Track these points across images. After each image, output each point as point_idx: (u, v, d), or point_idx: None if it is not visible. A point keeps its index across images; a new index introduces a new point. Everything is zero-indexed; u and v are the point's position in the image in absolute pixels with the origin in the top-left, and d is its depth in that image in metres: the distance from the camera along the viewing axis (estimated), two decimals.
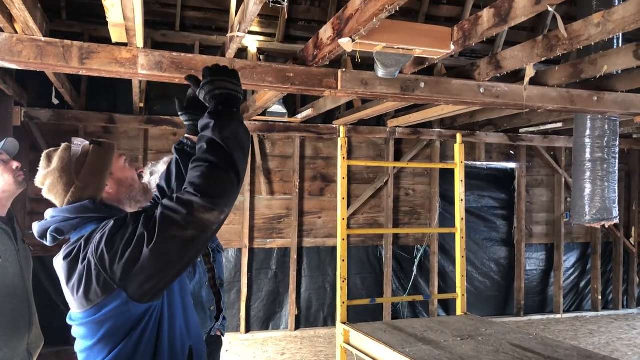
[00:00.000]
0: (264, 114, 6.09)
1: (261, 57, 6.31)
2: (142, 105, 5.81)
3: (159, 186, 2.06)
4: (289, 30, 6.29)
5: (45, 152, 1.69)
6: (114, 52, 2.92)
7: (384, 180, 6.98)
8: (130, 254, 1.36)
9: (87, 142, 1.68)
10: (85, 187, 1.60)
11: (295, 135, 6.63)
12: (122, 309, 1.41)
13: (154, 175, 2.74)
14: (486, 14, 2.87)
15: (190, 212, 1.34)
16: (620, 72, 4.09)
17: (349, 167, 4.18)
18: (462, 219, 4.33)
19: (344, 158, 4.01)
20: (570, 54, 4.35)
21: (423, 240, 7.19)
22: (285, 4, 3.83)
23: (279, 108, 6.13)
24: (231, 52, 3.35)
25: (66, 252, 1.51)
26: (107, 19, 2.67)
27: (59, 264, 1.53)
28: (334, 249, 6.43)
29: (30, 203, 5.65)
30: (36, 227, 1.62)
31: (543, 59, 3.43)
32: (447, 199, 7.09)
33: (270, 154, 6.69)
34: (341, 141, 4.02)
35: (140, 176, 1.82)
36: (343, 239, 4.06)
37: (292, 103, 6.52)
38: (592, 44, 3.08)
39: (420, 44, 3.08)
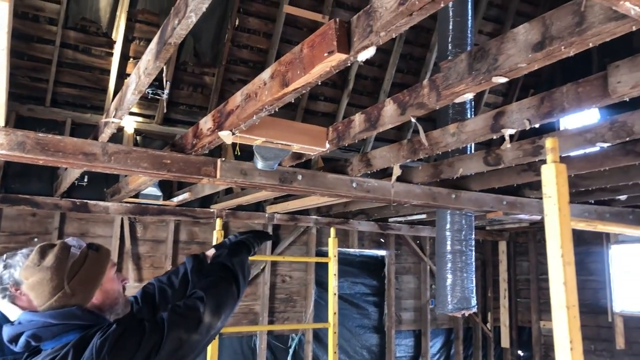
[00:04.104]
0: (137, 195, 5.84)
1: (138, 138, 6.15)
2: None
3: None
4: (169, 113, 6.24)
5: (40, 245, 1.58)
6: None
7: (261, 267, 6.91)
8: (138, 357, 1.38)
9: (85, 245, 1.61)
10: (73, 295, 1.51)
11: (170, 218, 6.41)
12: None
13: (8, 269, 2.43)
14: (358, 119, 3.10)
15: (198, 316, 1.51)
16: (473, 174, 4.58)
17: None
18: (335, 313, 4.36)
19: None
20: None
21: (297, 329, 7.11)
22: (164, 97, 3.84)
23: (153, 190, 5.93)
24: (105, 136, 3.23)
25: None
26: None
27: None
28: None
29: None
30: (6, 330, 1.47)
31: (408, 160, 3.75)
32: (323, 285, 7.17)
33: (142, 237, 6.35)
34: (217, 234, 3.94)
35: (124, 288, 1.74)
36: None
37: (169, 185, 6.35)
38: (449, 150, 3.45)
39: (298, 141, 3.23)
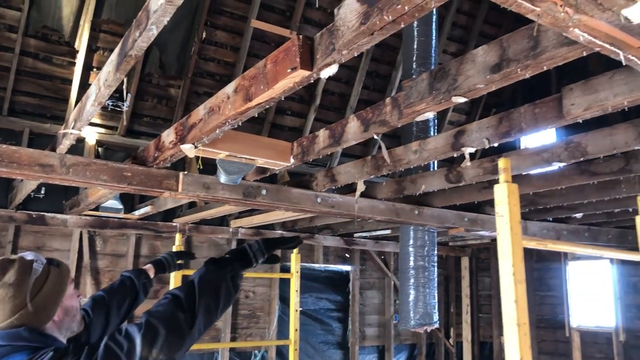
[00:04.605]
0: (97, 208, 5.70)
1: (100, 149, 6.02)
2: None
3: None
4: (133, 124, 6.14)
5: (18, 258, 1.49)
6: None
7: None
8: None
9: (45, 261, 1.53)
10: (35, 313, 1.44)
11: (131, 232, 6.27)
12: None
13: None
14: (322, 135, 3.12)
15: (132, 349, 1.33)
16: (436, 191, 4.64)
17: (186, 266, 4.01)
18: (296, 329, 4.32)
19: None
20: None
21: (260, 346, 7.02)
22: (125, 108, 3.79)
23: (114, 203, 5.80)
24: (63, 147, 3.15)
25: None
26: None
27: None
28: None
29: None
30: None
31: (372, 176, 3.79)
32: (287, 301, 7.08)
33: (101, 251, 6.19)
34: (176, 249, 3.87)
35: (79, 303, 1.68)
36: None
37: (130, 198, 6.22)
38: (412, 167, 3.50)
39: (262, 155, 3.21)
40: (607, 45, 1.51)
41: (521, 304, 1.38)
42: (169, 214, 6.36)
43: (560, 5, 1.31)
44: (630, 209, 4.86)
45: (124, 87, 4.57)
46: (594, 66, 6.15)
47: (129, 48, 1.95)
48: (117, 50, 2.19)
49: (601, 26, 1.41)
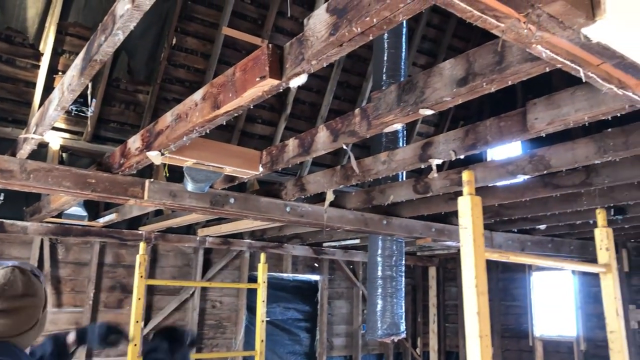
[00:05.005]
0: (59, 215, 5.54)
1: (64, 155, 5.86)
2: None
3: None
4: (99, 130, 6.01)
5: (28, 269, 1.49)
6: None
7: (190, 292, 6.70)
8: None
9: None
10: (42, 325, 1.47)
11: (95, 240, 6.12)
12: None
13: None
14: (292, 144, 3.11)
15: None
16: (404, 201, 4.68)
17: (151, 276, 3.93)
18: (262, 340, 4.28)
19: (141, 277, 3.74)
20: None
21: (226, 357, 6.92)
22: (90, 114, 3.71)
23: (78, 210, 5.64)
24: (24, 152, 3.06)
25: None
26: None
27: None
28: None
29: None
30: None
31: (341, 186, 3.79)
32: (254, 311, 6.96)
33: (63, 260, 6.01)
34: (140, 258, 3.79)
35: None
36: None
37: (95, 205, 6.07)
38: (380, 177, 3.52)
39: (230, 164, 3.19)
40: (568, 62, 1.56)
41: (483, 315, 1.40)
42: (135, 222, 6.23)
43: (524, 22, 1.34)
44: (591, 221, 5.00)
45: (89, 92, 4.47)
46: (558, 81, 6.34)
47: (94, 53, 1.91)
48: (81, 54, 2.14)
49: (562, 44, 1.45)
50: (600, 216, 2.39)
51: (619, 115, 2.24)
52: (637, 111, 2.09)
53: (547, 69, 1.79)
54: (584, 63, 1.55)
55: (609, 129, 2.84)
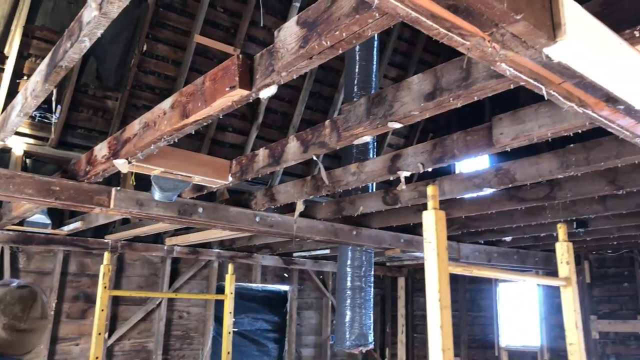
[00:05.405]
0: (21, 223, 5.38)
1: (28, 160, 5.71)
2: None
3: None
4: (65, 136, 5.87)
5: (36, 289, 1.58)
6: None
7: (157, 302, 6.58)
8: None
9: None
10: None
11: (59, 248, 5.96)
12: None
13: None
14: (262, 154, 3.10)
15: None
16: (374, 212, 4.71)
17: (117, 286, 3.84)
18: (229, 352, 4.23)
19: (105, 287, 3.66)
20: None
21: None
22: (54, 120, 3.62)
23: (41, 218, 5.49)
24: None
25: None
26: None
27: None
28: None
29: None
30: None
31: (312, 196, 3.80)
32: (222, 321, 6.95)
33: (24, 269, 5.83)
34: (103, 269, 3.70)
35: None
36: None
37: (59, 213, 5.92)
38: (350, 188, 3.54)
39: (199, 173, 3.16)
40: (531, 80, 1.60)
41: (446, 329, 1.42)
42: (101, 230, 6.10)
43: (488, 41, 1.37)
44: (555, 234, 5.11)
45: (54, 98, 4.38)
46: (525, 97, 6.50)
47: (59, 59, 1.87)
48: (46, 60, 2.10)
49: (525, 62, 1.49)
50: (561, 230, 2.46)
51: (580, 132, 2.31)
52: (598, 128, 2.16)
53: (512, 86, 1.83)
54: (546, 81, 1.60)
55: (572, 145, 2.93)
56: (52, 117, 3.31)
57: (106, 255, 3.74)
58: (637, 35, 1.55)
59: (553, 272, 4.84)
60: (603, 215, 4.44)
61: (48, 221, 5.58)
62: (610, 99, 1.65)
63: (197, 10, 6.03)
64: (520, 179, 3.17)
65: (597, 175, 3.36)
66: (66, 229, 5.57)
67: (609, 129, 1.97)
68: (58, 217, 5.80)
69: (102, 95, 5.99)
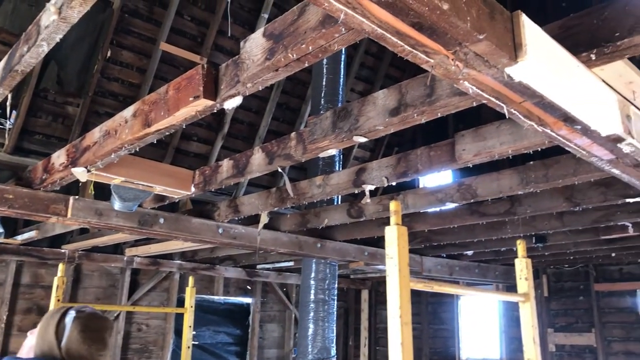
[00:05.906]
0: None
1: None
2: None
3: None
4: (22, 142, 5.67)
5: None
6: None
7: (115, 314, 6.39)
8: None
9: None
10: None
11: (12, 258, 5.73)
12: None
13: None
14: (226, 165, 3.07)
15: None
16: (338, 225, 4.71)
17: (73, 297, 3.71)
18: None
19: (58, 300, 3.53)
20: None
21: None
22: (9, 126, 3.50)
23: None
24: None
25: None
26: None
27: None
28: None
29: None
30: None
31: (276, 208, 3.77)
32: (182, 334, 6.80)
33: None
34: (57, 281, 3.57)
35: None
36: None
37: (13, 222, 5.70)
38: (315, 201, 3.53)
39: (161, 183, 3.09)
40: (493, 99, 1.63)
41: (407, 346, 1.41)
42: (58, 240, 5.90)
43: (452, 59, 1.39)
44: (515, 249, 5.22)
45: (9, 103, 4.23)
46: (486, 114, 6.65)
47: (15, 63, 1.81)
48: (2, 63, 2.03)
49: (488, 81, 1.52)
50: (520, 247, 2.50)
51: (539, 149, 2.37)
52: (557, 146, 2.22)
53: (475, 104, 1.87)
54: (507, 100, 1.63)
55: (531, 162, 3.00)
56: (6, 122, 3.19)
57: (60, 266, 3.61)
58: (594, 58, 1.60)
59: (513, 286, 4.94)
60: (560, 231, 4.56)
61: (1, 230, 5.35)
62: (568, 119, 1.70)
63: (163, 17, 5.95)
64: (481, 194, 3.23)
65: (555, 192, 3.45)
66: (20, 238, 5.37)
67: (567, 148, 2.02)
68: (12, 225, 5.58)
69: (63, 101, 5.82)
